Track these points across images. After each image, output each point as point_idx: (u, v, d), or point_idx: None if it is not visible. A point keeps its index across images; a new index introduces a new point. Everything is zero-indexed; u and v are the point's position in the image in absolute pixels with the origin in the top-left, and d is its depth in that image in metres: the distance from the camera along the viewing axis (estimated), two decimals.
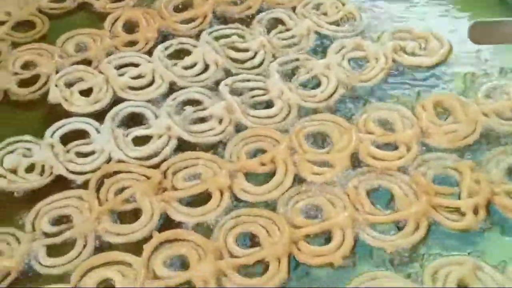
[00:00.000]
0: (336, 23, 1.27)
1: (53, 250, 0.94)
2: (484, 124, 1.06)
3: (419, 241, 0.93)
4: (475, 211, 0.95)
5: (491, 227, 0.95)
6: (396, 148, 1.05)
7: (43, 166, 1.04)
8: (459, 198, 0.97)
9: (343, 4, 1.30)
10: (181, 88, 1.16)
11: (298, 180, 1.02)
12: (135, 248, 0.94)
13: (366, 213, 0.96)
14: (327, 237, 0.94)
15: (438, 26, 1.24)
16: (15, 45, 1.26)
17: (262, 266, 0.91)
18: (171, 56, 1.22)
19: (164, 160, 1.05)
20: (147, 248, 0.92)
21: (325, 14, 1.29)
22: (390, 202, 0.98)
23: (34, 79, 1.19)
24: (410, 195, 0.97)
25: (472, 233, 0.94)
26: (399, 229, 0.95)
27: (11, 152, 1.06)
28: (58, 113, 1.13)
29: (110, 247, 0.95)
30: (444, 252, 0.92)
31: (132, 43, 1.25)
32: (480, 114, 1.07)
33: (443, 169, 1.01)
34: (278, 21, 1.29)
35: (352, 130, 1.06)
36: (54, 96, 1.14)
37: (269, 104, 1.13)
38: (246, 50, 1.22)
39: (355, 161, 1.03)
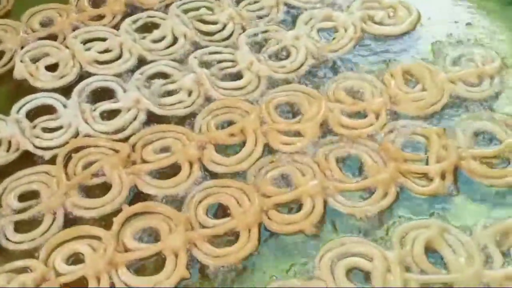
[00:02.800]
0: None
1: (21, 226, 0.93)
2: (451, 91, 1.07)
3: (388, 206, 0.94)
4: (443, 176, 0.96)
5: (459, 191, 0.96)
6: (365, 116, 1.05)
7: (9, 142, 1.03)
8: (427, 164, 0.98)
9: None
10: (150, 62, 1.15)
11: (268, 150, 1.02)
12: (105, 222, 0.94)
13: (336, 180, 0.96)
14: (297, 206, 0.95)
15: None
16: None
17: (233, 237, 0.91)
18: (139, 30, 1.20)
19: (133, 133, 1.04)
20: (117, 221, 0.92)
21: None
22: (360, 169, 0.99)
23: None
24: (379, 162, 0.98)
25: (440, 198, 0.95)
26: (369, 195, 0.95)
27: None
28: (24, 88, 1.11)
29: (80, 221, 0.94)
30: (413, 216, 0.93)
31: (99, 17, 1.23)
32: (447, 81, 1.08)
33: (411, 135, 1.02)
34: None
35: (321, 99, 1.06)
36: (20, 71, 1.13)
37: (238, 76, 1.12)
38: (215, 22, 1.22)
39: (325, 130, 1.04)
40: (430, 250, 0.88)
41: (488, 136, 1.02)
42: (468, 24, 1.20)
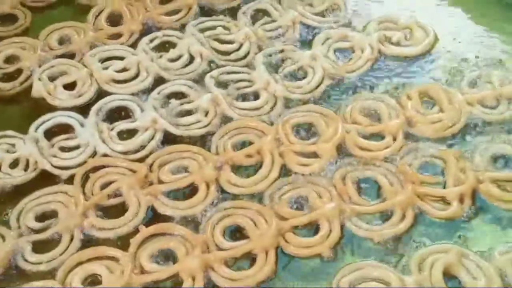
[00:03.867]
0: (322, 13, 1.27)
1: (39, 246, 0.93)
2: (469, 113, 1.07)
3: (405, 230, 0.93)
4: (461, 200, 0.96)
5: (477, 215, 0.95)
6: (382, 138, 1.05)
7: (27, 161, 1.03)
8: (444, 187, 0.98)
9: None
10: (167, 81, 1.15)
11: (285, 171, 1.02)
12: (122, 242, 0.94)
13: (353, 203, 0.96)
14: (314, 229, 0.94)
15: (423, 16, 1.24)
16: None
17: (250, 259, 0.91)
18: (156, 49, 1.21)
19: (150, 153, 1.04)
20: (134, 242, 0.92)
21: (310, 5, 1.29)
22: (377, 192, 0.99)
23: (17, 73, 1.17)
24: (396, 185, 0.98)
25: (458, 221, 0.95)
26: (386, 219, 0.95)
27: None
28: (41, 107, 1.12)
29: (97, 242, 0.94)
30: (430, 241, 0.93)
31: (116, 36, 1.24)
32: (464, 103, 1.08)
33: (429, 158, 1.01)
34: (263, 12, 1.28)
35: (338, 120, 1.06)
36: (38, 90, 1.13)
37: (255, 96, 1.13)
38: (231, 42, 1.22)
39: (342, 152, 1.04)
40: (448, 276, 0.88)
41: (506, 159, 1.01)
42: (485, 44, 1.20)
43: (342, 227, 0.94)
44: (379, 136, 1.05)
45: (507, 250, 0.90)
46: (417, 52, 1.19)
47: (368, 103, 1.10)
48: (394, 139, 1.04)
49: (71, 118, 1.09)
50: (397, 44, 1.20)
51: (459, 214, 0.95)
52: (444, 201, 0.96)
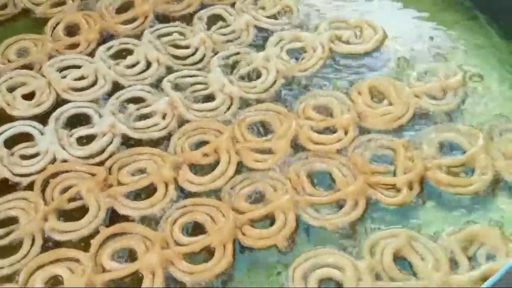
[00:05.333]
0: (274, 16, 1.31)
1: (1, 252, 0.95)
2: (417, 105, 1.11)
3: (358, 218, 0.97)
4: (410, 187, 1.00)
5: (426, 200, 0.99)
6: (334, 132, 1.09)
7: None
8: (395, 176, 1.01)
9: None
10: (124, 87, 1.18)
11: (241, 168, 1.05)
12: (84, 244, 0.96)
13: (307, 195, 0.99)
14: (271, 221, 0.97)
15: (373, 17, 1.29)
16: None
17: (208, 254, 0.93)
18: (113, 56, 1.23)
19: (110, 157, 1.06)
20: (94, 243, 0.94)
21: (263, 8, 1.32)
22: (330, 184, 1.02)
23: None
24: (348, 176, 1.01)
25: (408, 207, 0.99)
26: (339, 208, 0.98)
27: None
28: (1, 117, 1.13)
29: (58, 245, 0.96)
30: (383, 227, 0.96)
31: (74, 46, 1.26)
32: (412, 96, 1.12)
33: (379, 149, 1.05)
34: (218, 17, 1.32)
35: (291, 117, 1.10)
36: None
37: (211, 98, 1.16)
38: (187, 47, 1.25)
39: (296, 147, 1.07)
40: (400, 258, 0.91)
41: (453, 146, 1.06)
42: (431, 39, 1.25)
43: (297, 218, 0.97)
44: (331, 131, 1.09)
45: (453, 231, 0.94)
46: (366, 49, 1.23)
47: (320, 100, 1.14)
48: (346, 132, 1.08)
49: (30, 127, 1.11)
50: (348, 42, 1.24)
51: (408, 200, 0.99)
52: (395, 188, 1.00)
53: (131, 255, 0.94)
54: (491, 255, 0.90)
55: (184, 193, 1.02)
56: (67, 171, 1.04)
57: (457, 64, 1.19)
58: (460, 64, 1.19)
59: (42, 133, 1.10)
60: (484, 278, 0.85)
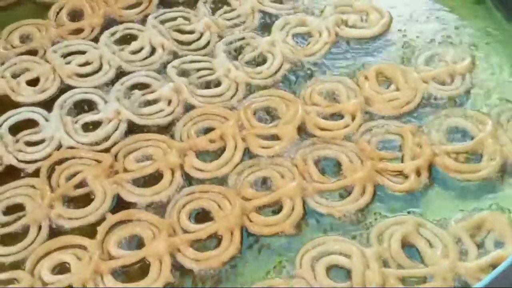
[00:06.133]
0: (280, 1, 1.29)
1: (7, 239, 0.95)
2: (424, 90, 1.10)
3: (365, 205, 0.96)
4: (418, 173, 0.99)
5: (434, 186, 0.99)
6: (341, 118, 1.08)
7: None
8: (402, 162, 1.01)
9: None
10: (129, 73, 1.17)
11: (248, 154, 1.04)
12: (90, 231, 0.95)
13: (314, 181, 0.99)
14: (278, 208, 0.97)
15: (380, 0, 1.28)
16: None
17: (216, 241, 0.93)
18: (117, 42, 1.22)
19: (115, 144, 1.06)
20: (101, 230, 0.94)
21: None
22: (338, 170, 1.01)
23: None
24: (356, 162, 1.01)
25: (416, 194, 0.98)
26: (347, 195, 0.98)
27: None
28: (5, 104, 1.13)
29: (65, 232, 0.96)
30: (390, 213, 0.96)
31: (78, 31, 1.25)
32: (420, 81, 1.11)
33: (386, 135, 1.04)
34: (222, 2, 1.30)
35: (298, 103, 1.09)
36: (1, 87, 1.14)
37: (216, 83, 1.15)
38: (192, 32, 1.24)
39: (303, 133, 1.06)
40: (408, 245, 0.91)
41: (461, 132, 1.05)
42: (438, 23, 1.23)
43: (305, 205, 0.96)
44: (338, 116, 1.08)
45: (462, 218, 0.93)
46: (373, 33, 1.22)
47: (326, 85, 1.12)
48: (353, 118, 1.07)
49: (35, 113, 1.10)
50: (354, 26, 1.23)
51: (416, 187, 0.98)
52: (402, 175, 0.99)
53: (138, 242, 0.93)
54: (500, 242, 0.90)
55: (190, 180, 1.01)
56: (72, 158, 1.03)
57: (465, 49, 1.18)
58: (467, 48, 1.18)
59: (47, 120, 1.09)
60: (493, 265, 0.85)
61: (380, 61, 1.17)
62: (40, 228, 0.95)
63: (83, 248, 0.92)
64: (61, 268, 0.91)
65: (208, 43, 1.22)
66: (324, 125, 1.07)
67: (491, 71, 1.15)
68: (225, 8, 1.28)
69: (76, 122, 1.09)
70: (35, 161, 1.04)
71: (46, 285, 0.89)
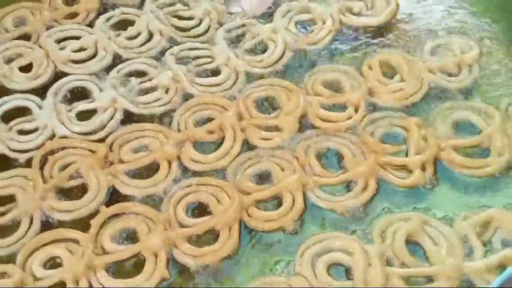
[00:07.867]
0: None
1: None
2: (430, 81, 1.07)
3: (368, 200, 0.93)
4: (423, 168, 0.96)
5: (439, 182, 0.96)
6: (344, 109, 1.04)
7: None
8: (407, 155, 0.97)
9: None
10: (126, 60, 1.13)
11: (247, 146, 1.01)
12: (83, 224, 0.92)
13: (316, 175, 0.95)
14: (278, 202, 0.94)
15: None
16: None
17: (214, 236, 0.90)
18: (114, 27, 1.18)
19: (110, 133, 1.03)
20: (94, 223, 0.91)
21: None
22: (340, 163, 0.98)
23: None
24: (358, 155, 0.98)
25: (420, 190, 0.95)
26: (349, 189, 0.95)
27: None
28: None
29: (57, 224, 0.93)
30: (394, 209, 0.93)
31: (73, 15, 1.21)
32: (425, 71, 1.08)
33: (391, 127, 1.01)
34: None
35: (299, 93, 1.05)
36: None
37: (216, 72, 1.11)
38: (190, 18, 1.20)
39: (304, 124, 1.03)
40: (411, 243, 0.88)
41: (468, 125, 1.02)
42: (446, 12, 1.19)
43: (305, 199, 0.93)
44: (341, 108, 1.05)
45: (468, 215, 0.90)
46: (378, 21, 1.18)
47: (329, 74, 1.09)
48: (356, 109, 1.04)
49: (28, 101, 1.07)
50: (359, 14, 1.19)
51: (421, 182, 0.95)
52: (407, 169, 0.96)
53: (133, 237, 0.90)
54: (508, 240, 0.87)
55: (187, 172, 0.98)
56: (66, 148, 1.00)
57: (473, 39, 1.14)
58: (476, 38, 1.14)
59: (40, 107, 1.05)
60: (501, 265, 0.82)
61: (385, 51, 1.13)
62: (31, 220, 0.92)
63: (76, 242, 0.89)
64: (53, 263, 0.88)
65: (207, 30, 1.18)
66: (326, 116, 1.03)
67: (500, 63, 1.11)
68: None
69: (70, 111, 1.05)
70: (28, 150, 1.00)
71: (37, 280, 0.86)
